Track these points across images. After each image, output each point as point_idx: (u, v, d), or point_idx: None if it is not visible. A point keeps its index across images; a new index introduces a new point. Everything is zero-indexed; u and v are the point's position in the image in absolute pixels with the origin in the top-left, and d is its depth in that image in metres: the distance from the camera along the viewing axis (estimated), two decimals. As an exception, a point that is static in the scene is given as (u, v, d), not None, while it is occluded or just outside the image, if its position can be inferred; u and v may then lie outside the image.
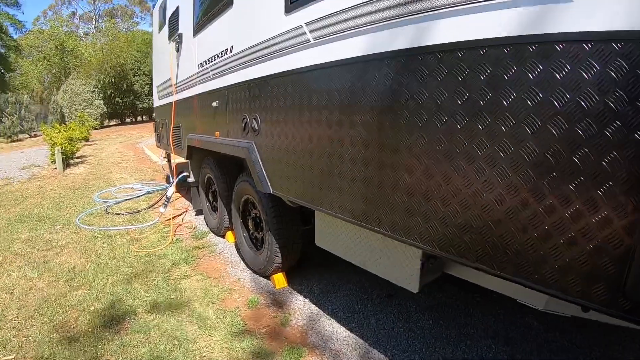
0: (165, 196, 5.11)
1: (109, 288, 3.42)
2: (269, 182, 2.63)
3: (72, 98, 22.56)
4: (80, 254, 4.25)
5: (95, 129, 22.78)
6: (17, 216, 5.99)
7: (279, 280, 3.21)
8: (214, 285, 3.33)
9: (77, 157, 11.83)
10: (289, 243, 3.01)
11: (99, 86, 24.69)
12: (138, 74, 27.09)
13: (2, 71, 27.74)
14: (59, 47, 29.90)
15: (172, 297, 3.18)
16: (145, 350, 2.53)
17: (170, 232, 4.66)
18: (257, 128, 2.73)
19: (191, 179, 5.03)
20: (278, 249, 3.00)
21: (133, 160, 11.58)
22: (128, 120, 30.68)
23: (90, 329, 2.84)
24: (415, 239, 1.59)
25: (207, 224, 4.81)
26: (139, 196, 6.79)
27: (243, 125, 2.94)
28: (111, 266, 3.87)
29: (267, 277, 3.34)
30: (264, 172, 2.66)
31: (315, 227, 2.57)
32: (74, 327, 2.90)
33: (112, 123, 29.57)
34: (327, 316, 2.77)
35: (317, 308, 2.89)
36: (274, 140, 2.52)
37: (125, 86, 26.92)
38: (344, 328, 2.63)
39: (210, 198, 4.69)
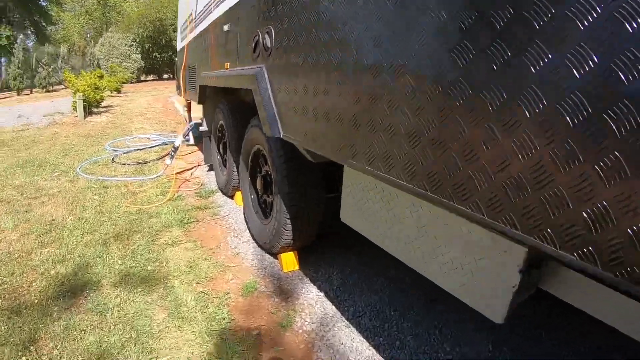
0: (172, 146, 4.41)
1: (80, 248, 2.77)
2: (279, 122, 1.79)
3: (110, 51, 22.35)
4: (66, 205, 3.64)
5: (131, 82, 22.63)
6: (20, 161, 5.54)
7: (288, 261, 2.43)
8: (205, 257, 2.60)
9: (103, 107, 11.43)
10: (303, 213, 2.20)
11: (137, 40, 24.35)
12: (177, 29, 26.55)
13: (43, 24, 27.87)
14: (100, 1, 29.68)
15: (149, 268, 2.47)
16: (91, 341, 1.83)
17: (172, 188, 3.97)
18: (269, 46, 1.87)
19: (204, 128, 4.30)
20: (289, 220, 2.20)
21: (159, 112, 11.05)
22: (166, 76, 30.47)
23: (40, 300, 2.19)
24: (540, 234, 0.72)
25: (216, 181, 4.09)
26: (152, 147, 6.17)
27: (253, 45, 2.09)
28: (93, 222, 3.22)
29: (275, 256, 2.57)
30: (274, 108, 1.82)
31: (342, 194, 1.74)
32: (24, 295, 2.27)
33: (149, 78, 29.45)
34: (347, 322, 1.97)
35: (333, 307, 2.09)
36: (289, 61, 1.67)
37: (164, 41, 26.50)
38: (367, 344, 1.82)
39: (221, 150, 3.94)
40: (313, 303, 2.11)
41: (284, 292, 2.22)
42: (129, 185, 4.23)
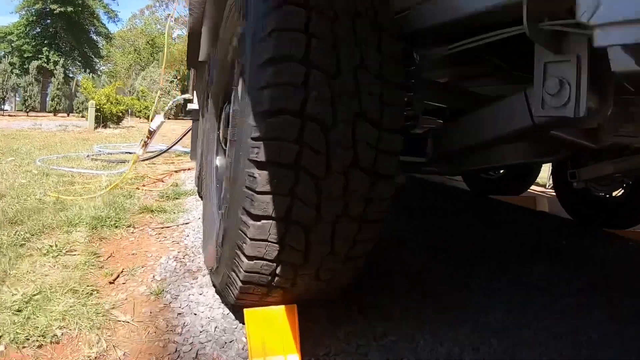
0: (148, 130, 3.15)
1: None
2: None
3: (150, 85, 22.65)
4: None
5: (168, 118, 22.62)
6: (-10, 148, 4.51)
7: (265, 332, 0.93)
8: (82, 289, 1.14)
9: (123, 126, 10.71)
10: (312, 179, 0.74)
11: (178, 77, 24.80)
12: (221, 69, 27.16)
13: (91, 55, 29.24)
14: (149, 42, 31.10)
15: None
16: None
17: (123, 178, 2.64)
18: None
19: (194, 105, 3.10)
20: (257, 196, 0.74)
21: (178, 133, 10.13)
22: (207, 116, 30.94)
23: None
24: None
25: (194, 177, 2.76)
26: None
27: None
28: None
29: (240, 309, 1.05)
30: None
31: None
32: None
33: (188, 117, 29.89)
34: None
35: None
36: None
37: (206, 81, 27.09)
38: None
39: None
40: None
41: None
42: (77, 176, 2.93)
